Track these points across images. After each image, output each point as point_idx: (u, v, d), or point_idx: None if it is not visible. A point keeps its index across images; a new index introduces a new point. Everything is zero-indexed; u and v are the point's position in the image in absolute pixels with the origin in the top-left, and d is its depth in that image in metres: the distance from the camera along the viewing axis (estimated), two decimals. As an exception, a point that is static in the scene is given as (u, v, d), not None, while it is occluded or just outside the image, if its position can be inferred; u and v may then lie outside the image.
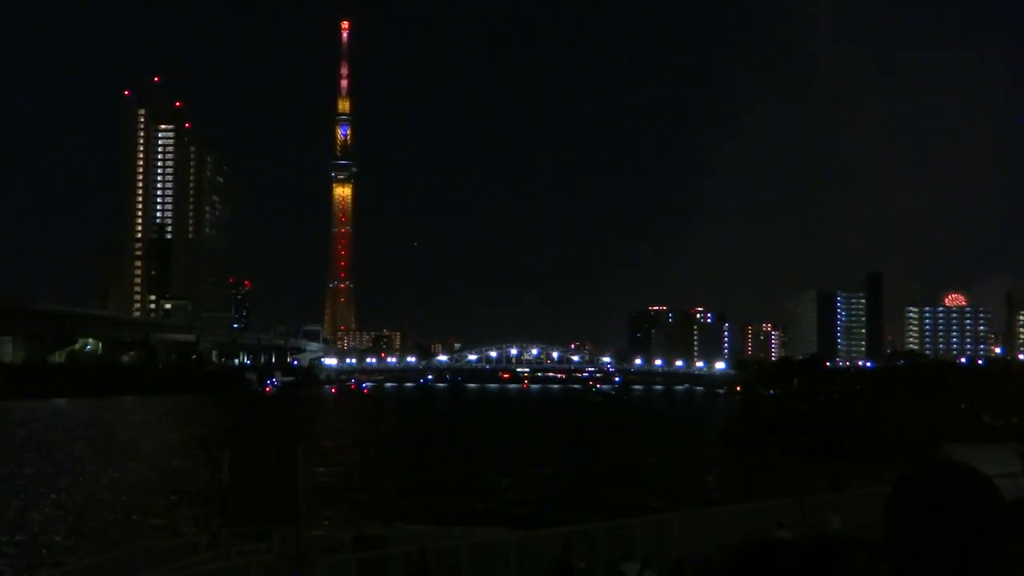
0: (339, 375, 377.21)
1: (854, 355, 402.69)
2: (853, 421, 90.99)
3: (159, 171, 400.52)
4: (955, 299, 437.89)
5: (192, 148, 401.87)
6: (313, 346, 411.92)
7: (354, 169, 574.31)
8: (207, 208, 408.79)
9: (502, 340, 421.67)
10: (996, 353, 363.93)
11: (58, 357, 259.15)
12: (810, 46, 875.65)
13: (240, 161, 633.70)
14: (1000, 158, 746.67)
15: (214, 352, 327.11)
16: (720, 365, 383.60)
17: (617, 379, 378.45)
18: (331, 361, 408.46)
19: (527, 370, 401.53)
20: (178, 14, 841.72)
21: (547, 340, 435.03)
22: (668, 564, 24.48)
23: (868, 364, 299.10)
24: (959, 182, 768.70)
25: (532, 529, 30.30)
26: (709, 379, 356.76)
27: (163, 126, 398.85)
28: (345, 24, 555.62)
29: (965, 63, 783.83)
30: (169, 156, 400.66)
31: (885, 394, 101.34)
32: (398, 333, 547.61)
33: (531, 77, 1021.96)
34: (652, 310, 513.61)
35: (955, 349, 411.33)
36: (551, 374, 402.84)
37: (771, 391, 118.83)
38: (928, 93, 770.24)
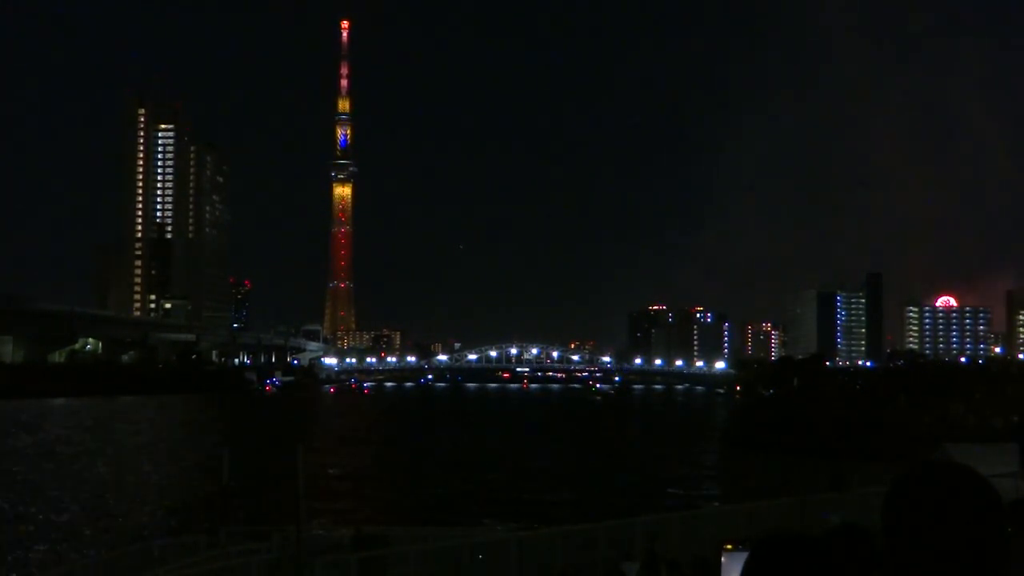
0: (339, 375, 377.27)
1: (854, 355, 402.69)
2: (853, 421, 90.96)
3: (159, 171, 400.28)
4: (945, 302, 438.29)
5: (192, 148, 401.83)
6: (313, 346, 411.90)
7: (354, 169, 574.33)
8: (207, 208, 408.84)
9: (502, 340, 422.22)
10: (996, 353, 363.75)
11: (58, 357, 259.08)
12: (816, 44, 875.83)
13: (240, 161, 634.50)
14: (1002, 155, 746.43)
15: (214, 352, 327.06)
16: (720, 365, 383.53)
17: (617, 379, 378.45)
18: (331, 361, 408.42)
19: (527, 370, 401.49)
20: (178, 14, 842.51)
21: (547, 340, 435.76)
22: (656, 560, 24.44)
23: (868, 364, 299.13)
24: (961, 181, 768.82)
25: (532, 529, 30.32)
26: (709, 379, 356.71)
27: (163, 126, 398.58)
28: (345, 24, 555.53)
29: (970, 59, 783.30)
30: (169, 156, 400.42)
31: (885, 394, 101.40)
32: (398, 333, 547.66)
33: (532, 76, 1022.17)
34: (652, 310, 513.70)
35: (955, 349, 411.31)
36: (551, 374, 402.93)
37: (771, 391, 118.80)
38: (935, 91, 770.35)
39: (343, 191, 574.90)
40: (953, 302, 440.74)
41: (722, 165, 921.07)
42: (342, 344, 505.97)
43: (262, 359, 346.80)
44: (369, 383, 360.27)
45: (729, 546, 8.37)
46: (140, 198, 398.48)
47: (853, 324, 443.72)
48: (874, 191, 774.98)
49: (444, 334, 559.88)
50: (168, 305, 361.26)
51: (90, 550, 40.71)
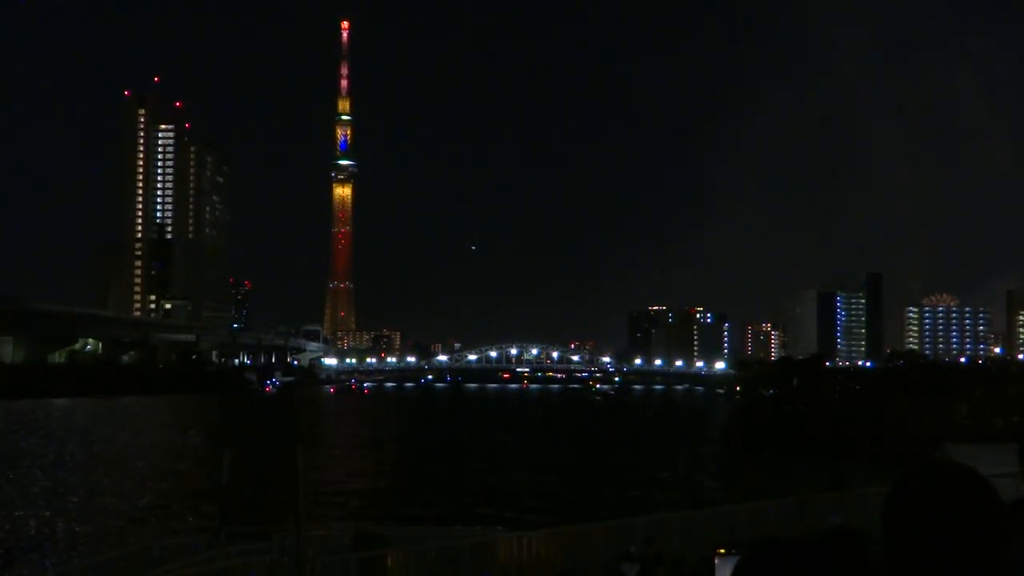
0: (339, 375, 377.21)
1: (854, 355, 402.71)
2: (853, 421, 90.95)
3: (159, 171, 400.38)
4: (945, 302, 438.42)
5: (192, 148, 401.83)
6: (313, 346, 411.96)
7: (354, 169, 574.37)
8: (207, 208, 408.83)
9: (502, 340, 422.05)
10: (996, 353, 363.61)
11: (58, 357, 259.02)
12: (816, 44, 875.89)
13: (240, 161, 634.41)
14: (1003, 155, 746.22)
15: (214, 352, 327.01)
16: (720, 365, 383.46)
17: (617, 379, 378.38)
18: (331, 361, 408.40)
19: (527, 370, 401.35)
20: (178, 14, 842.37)
21: (547, 340, 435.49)
22: (667, 564, 24.47)
23: (868, 364, 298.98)
24: (961, 181, 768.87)
25: (532, 529, 30.31)
26: (709, 379, 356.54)
27: (163, 126, 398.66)
28: (345, 24, 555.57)
29: (971, 59, 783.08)
30: (169, 156, 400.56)
31: (885, 394, 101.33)
32: (398, 333, 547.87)
33: (532, 76, 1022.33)
34: (652, 310, 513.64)
35: (955, 349, 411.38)
36: (551, 374, 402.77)
37: (771, 391, 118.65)
38: (935, 90, 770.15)
39: (343, 191, 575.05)
40: (953, 302, 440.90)
41: (722, 165, 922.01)
42: (342, 344, 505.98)
43: (262, 359, 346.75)
44: (369, 383, 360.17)
45: (722, 550, 8.36)
46: (140, 198, 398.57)
47: (853, 324, 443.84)
48: (874, 191, 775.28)
49: (444, 334, 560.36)
50: (168, 305, 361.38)
51: (90, 550, 40.70)
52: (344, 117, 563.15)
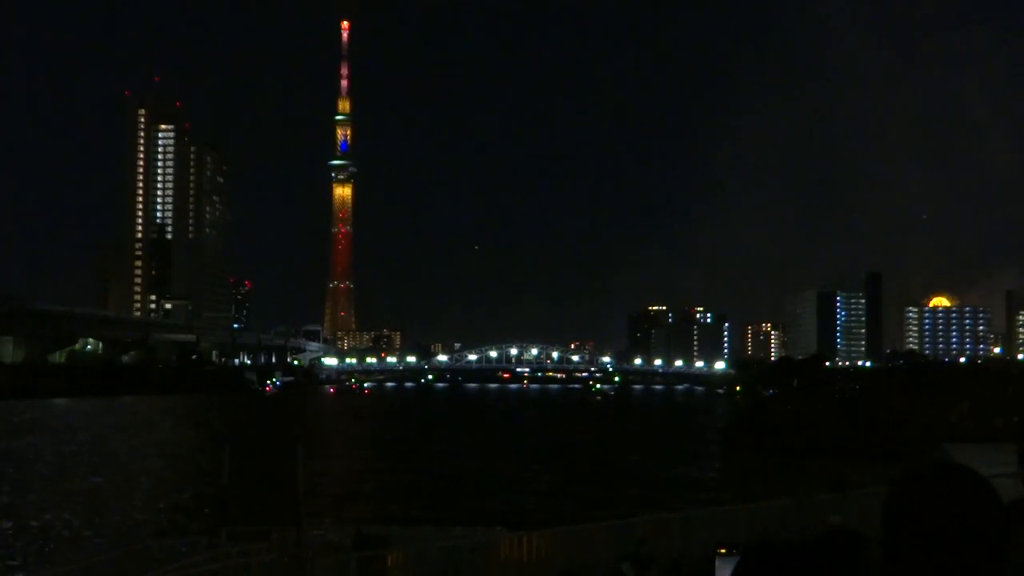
0: (339, 375, 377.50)
1: (854, 355, 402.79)
2: (853, 421, 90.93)
3: (159, 171, 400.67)
4: (944, 302, 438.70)
5: (192, 148, 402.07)
6: (313, 346, 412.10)
7: (354, 169, 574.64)
8: (207, 208, 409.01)
9: (502, 340, 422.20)
10: (996, 353, 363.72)
11: (58, 357, 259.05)
12: (817, 44, 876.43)
13: (240, 161, 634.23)
14: (1004, 154, 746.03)
15: (214, 352, 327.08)
16: (720, 365, 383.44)
17: (617, 379, 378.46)
18: (331, 361, 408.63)
19: (527, 370, 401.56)
20: (178, 14, 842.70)
21: (547, 340, 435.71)
22: (665, 564, 24.45)
23: (868, 364, 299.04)
24: (961, 181, 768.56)
25: (532, 529, 30.29)
26: (709, 379, 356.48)
27: (163, 126, 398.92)
28: (345, 24, 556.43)
29: (972, 57, 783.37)
30: (169, 156, 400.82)
31: (885, 394, 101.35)
32: (398, 333, 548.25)
33: (532, 77, 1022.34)
34: (652, 310, 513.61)
35: (955, 349, 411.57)
36: (551, 374, 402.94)
37: (771, 391, 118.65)
38: (936, 89, 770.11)
39: (343, 191, 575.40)
40: (953, 302, 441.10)
41: (722, 165, 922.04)
42: (342, 344, 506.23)
43: (262, 359, 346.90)
44: (369, 383, 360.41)
45: (723, 550, 8.36)
46: (140, 198, 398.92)
47: (853, 324, 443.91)
48: (874, 191, 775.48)
49: (444, 334, 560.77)
50: (168, 305, 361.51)
51: (90, 551, 40.70)
52: (344, 117, 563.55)
